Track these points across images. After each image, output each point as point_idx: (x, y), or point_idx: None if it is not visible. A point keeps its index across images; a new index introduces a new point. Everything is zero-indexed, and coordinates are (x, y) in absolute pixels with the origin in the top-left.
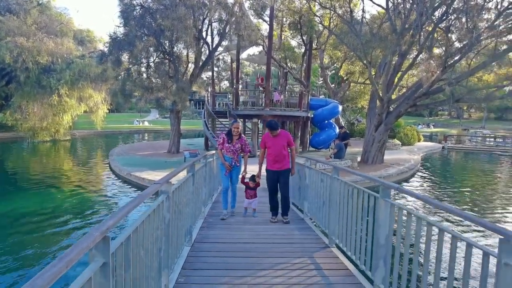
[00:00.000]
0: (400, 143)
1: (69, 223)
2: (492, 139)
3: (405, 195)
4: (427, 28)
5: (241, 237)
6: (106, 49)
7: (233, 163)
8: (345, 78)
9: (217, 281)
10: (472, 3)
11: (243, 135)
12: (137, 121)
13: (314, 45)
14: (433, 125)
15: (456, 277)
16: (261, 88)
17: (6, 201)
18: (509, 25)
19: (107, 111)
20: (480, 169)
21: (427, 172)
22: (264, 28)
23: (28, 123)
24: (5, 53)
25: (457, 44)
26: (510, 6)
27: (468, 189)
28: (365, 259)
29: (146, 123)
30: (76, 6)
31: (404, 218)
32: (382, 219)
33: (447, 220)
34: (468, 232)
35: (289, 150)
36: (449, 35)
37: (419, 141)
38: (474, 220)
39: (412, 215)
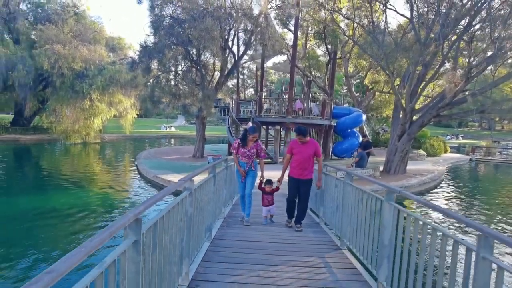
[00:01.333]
0: (426, 153)
1: (98, 218)
2: None
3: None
4: (451, 38)
5: (257, 236)
6: (136, 57)
7: (248, 168)
8: (370, 87)
9: (233, 273)
10: (496, 13)
11: (258, 140)
12: (164, 126)
13: (338, 54)
14: (462, 136)
15: (446, 272)
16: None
17: (43, 196)
18: None
19: (136, 116)
20: (506, 182)
21: (451, 184)
22: (289, 37)
23: (61, 126)
24: (43, 60)
25: (481, 55)
26: None
27: (489, 201)
28: (371, 259)
29: (173, 129)
30: (108, 15)
31: (406, 220)
32: (386, 221)
33: (453, 225)
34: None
35: (315, 161)
36: (472, 46)
37: (445, 152)
38: (455, 217)
39: (412, 217)
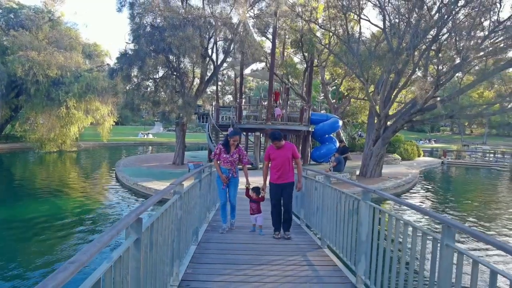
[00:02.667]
0: (400, 157)
1: (80, 227)
2: (492, 155)
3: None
4: (421, 48)
5: (242, 239)
6: (117, 65)
7: (231, 175)
8: (345, 94)
9: (221, 272)
10: (461, 25)
11: (240, 145)
12: (141, 133)
13: (315, 62)
14: (434, 140)
15: (417, 263)
16: (275, 103)
17: (15, 208)
18: (497, 46)
19: (113, 123)
20: (474, 183)
21: (425, 186)
22: (267, 45)
23: (36, 134)
24: (17, 66)
25: (448, 64)
26: (495, 29)
27: (461, 199)
28: (350, 255)
29: (151, 136)
30: (84, 21)
31: (382, 216)
32: (363, 219)
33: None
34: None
35: (294, 163)
36: (440, 55)
37: (419, 156)
38: (421, 210)
39: (386, 213)
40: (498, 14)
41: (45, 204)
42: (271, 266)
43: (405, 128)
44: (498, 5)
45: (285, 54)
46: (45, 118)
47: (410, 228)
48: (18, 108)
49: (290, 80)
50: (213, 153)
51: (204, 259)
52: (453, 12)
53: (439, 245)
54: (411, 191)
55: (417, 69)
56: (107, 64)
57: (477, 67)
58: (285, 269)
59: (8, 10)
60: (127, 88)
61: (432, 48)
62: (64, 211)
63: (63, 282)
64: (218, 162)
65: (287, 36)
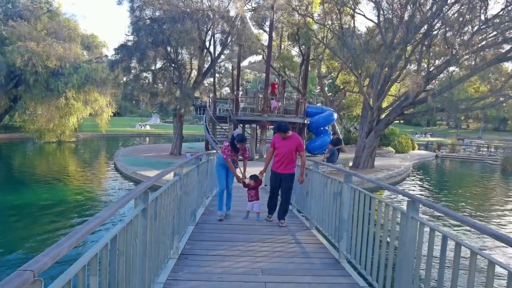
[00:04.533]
0: (394, 150)
1: (82, 212)
2: (486, 149)
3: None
4: (413, 43)
5: (237, 221)
6: (116, 57)
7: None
8: (341, 87)
9: (216, 248)
10: (451, 22)
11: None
12: (139, 125)
13: (311, 56)
14: (430, 134)
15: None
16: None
17: (17, 194)
18: (485, 43)
19: (112, 114)
20: (464, 174)
21: (417, 177)
22: (265, 38)
23: (35, 125)
24: (16, 57)
25: (439, 59)
26: (482, 26)
27: (448, 189)
28: (334, 234)
29: (148, 127)
30: (82, 12)
31: (360, 197)
32: (345, 199)
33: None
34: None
35: (298, 156)
36: (431, 50)
37: (413, 149)
38: (390, 188)
39: (363, 193)
40: (486, 11)
41: (48, 191)
42: (263, 243)
43: (401, 122)
44: (485, 2)
45: (282, 47)
46: (44, 108)
47: (391, 208)
48: (17, 98)
49: (287, 73)
50: (223, 151)
51: (201, 237)
52: (444, 9)
53: (406, 218)
54: (404, 182)
55: (409, 64)
56: (105, 55)
57: (466, 63)
58: (275, 246)
59: (7, 0)
60: (126, 79)
61: (424, 43)
62: (66, 198)
63: (89, 231)
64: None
65: (284, 29)
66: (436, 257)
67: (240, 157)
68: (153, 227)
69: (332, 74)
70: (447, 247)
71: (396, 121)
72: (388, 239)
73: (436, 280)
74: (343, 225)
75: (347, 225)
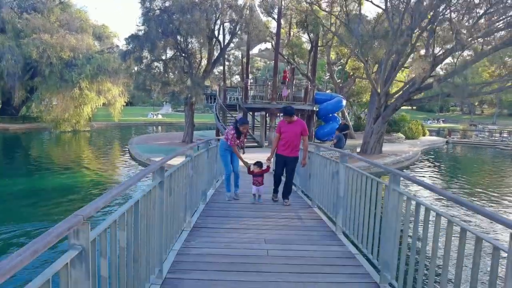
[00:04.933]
0: (404, 136)
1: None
2: (498, 134)
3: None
4: (419, 30)
5: (244, 200)
6: (128, 47)
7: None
8: (351, 73)
9: (225, 222)
10: (455, 7)
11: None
12: (151, 114)
13: (320, 42)
14: (443, 120)
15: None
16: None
17: (36, 179)
18: (491, 29)
19: (124, 104)
20: (472, 160)
21: (425, 162)
22: (273, 25)
23: (51, 115)
24: (32, 49)
25: (445, 45)
26: (488, 11)
27: (454, 173)
28: (332, 210)
29: (160, 116)
30: (91, 2)
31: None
32: (341, 178)
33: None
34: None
35: (302, 139)
36: (436, 36)
37: (424, 135)
38: (375, 164)
39: (356, 172)
40: None
41: (68, 176)
42: (268, 219)
43: (414, 108)
44: None
45: (291, 34)
46: (59, 99)
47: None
48: (33, 89)
49: (296, 60)
50: (228, 137)
51: (211, 214)
52: None
53: (388, 190)
54: (411, 166)
55: (415, 50)
56: (117, 45)
57: (472, 48)
58: (278, 221)
59: None
60: (137, 69)
61: (428, 29)
62: (87, 182)
63: (119, 193)
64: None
65: (292, 17)
66: (418, 224)
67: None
68: (169, 201)
69: (342, 61)
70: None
71: (409, 107)
72: (375, 210)
73: (418, 248)
74: (340, 201)
75: (343, 201)
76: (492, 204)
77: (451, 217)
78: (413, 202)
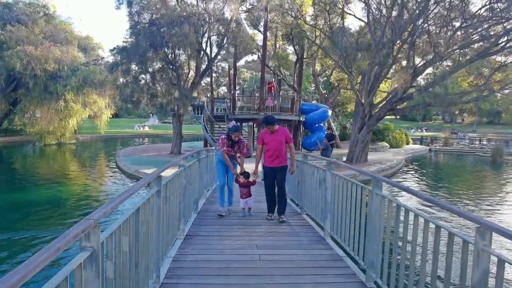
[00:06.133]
0: (388, 145)
1: (91, 206)
2: (478, 142)
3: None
4: (399, 43)
5: (235, 208)
6: (117, 59)
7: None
8: (336, 84)
9: (217, 230)
10: (432, 22)
11: (241, 137)
12: (137, 126)
13: (306, 54)
14: (425, 129)
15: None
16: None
17: (24, 192)
18: (467, 41)
19: (111, 116)
20: (454, 166)
21: (408, 170)
22: (260, 38)
23: (35, 127)
24: (16, 61)
25: (425, 57)
26: (463, 25)
27: (435, 178)
28: (320, 216)
29: (147, 128)
30: (73, 13)
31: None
32: (328, 184)
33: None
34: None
35: (287, 147)
36: (415, 48)
37: (407, 144)
38: (358, 170)
39: (342, 178)
40: (464, 13)
41: (57, 189)
42: (258, 227)
43: (398, 117)
44: (465, 2)
45: (277, 46)
46: (43, 111)
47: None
48: (16, 101)
49: (282, 71)
50: (219, 144)
51: (204, 222)
52: (426, 11)
53: (371, 194)
54: (398, 174)
55: (396, 61)
56: (102, 57)
57: (449, 60)
58: (269, 228)
59: (4, 5)
60: (124, 81)
61: (408, 42)
62: (74, 195)
63: (121, 202)
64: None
65: (278, 29)
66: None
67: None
68: (165, 209)
69: (327, 72)
70: (409, 216)
71: (393, 117)
72: (359, 215)
73: (399, 247)
74: (327, 207)
75: (330, 207)
76: (469, 202)
77: (428, 216)
78: (394, 204)
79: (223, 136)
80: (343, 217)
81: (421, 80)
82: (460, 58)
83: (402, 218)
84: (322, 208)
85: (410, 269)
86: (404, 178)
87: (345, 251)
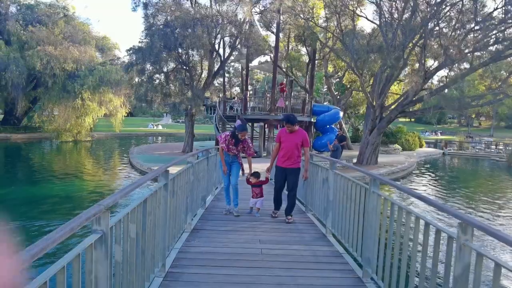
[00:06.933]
0: (401, 148)
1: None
2: (494, 146)
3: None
4: (410, 46)
5: (241, 206)
6: (131, 59)
7: (232, 159)
8: (348, 86)
9: (224, 225)
10: (444, 25)
11: (247, 137)
12: (151, 124)
13: (318, 55)
14: (440, 132)
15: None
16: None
17: (41, 186)
18: (479, 44)
19: (125, 114)
20: (467, 170)
21: (421, 173)
22: (272, 39)
23: (53, 125)
24: (36, 60)
25: (436, 59)
26: (475, 28)
27: (446, 182)
28: (323, 214)
29: (160, 127)
30: (92, 14)
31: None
32: (331, 183)
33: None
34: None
35: (302, 151)
36: (426, 51)
37: (421, 147)
38: (358, 169)
39: (344, 177)
40: (476, 15)
41: (71, 184)
42: (263, 223)
43: (412, 120)
44: (477, 4)
45: (289, 48)
46: (61, 109)
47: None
48: (35, 100)
49: (294, 72)
50: (220, 141)
51: (210, 217)
52: (437, 14)
53: (369, 192)
54: (408, 177)
55: (408, 64)
56: (118, 57)
57: (461, 63)
58: (273, 224)
59: (26, 7)
60: (139, 80)
61: (419, 45)
62: (88, 189)
63: (130, 191)
64: (223, 150)
65: (290, 31)
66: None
67: (244, 155)
68: (172, 202)
69: (339, 73)
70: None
71: (407, 120)
72: (359, 214)
73: (393, 243)
74: (329, 205)
75: (332, 205)
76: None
77: (418, 213)
78: (389, 203)
79: (227, 133)
80: (343, 215)
81: (435, 82)
82: (473, 61)
83: (397, 216)
84: (325, 206)
85: (402, 265)
86: (415, 180)
87: (345, 248)
